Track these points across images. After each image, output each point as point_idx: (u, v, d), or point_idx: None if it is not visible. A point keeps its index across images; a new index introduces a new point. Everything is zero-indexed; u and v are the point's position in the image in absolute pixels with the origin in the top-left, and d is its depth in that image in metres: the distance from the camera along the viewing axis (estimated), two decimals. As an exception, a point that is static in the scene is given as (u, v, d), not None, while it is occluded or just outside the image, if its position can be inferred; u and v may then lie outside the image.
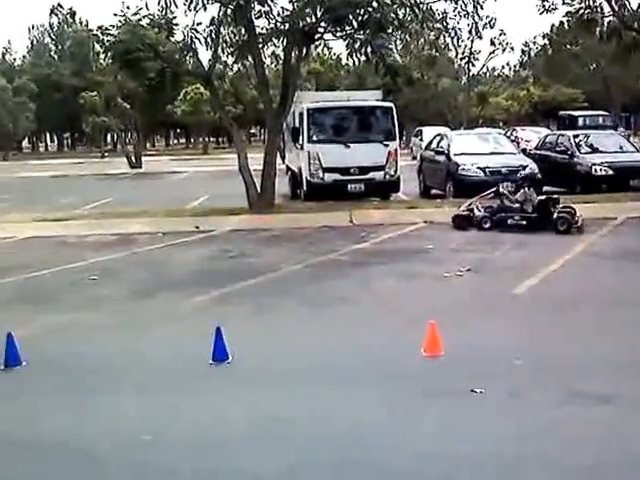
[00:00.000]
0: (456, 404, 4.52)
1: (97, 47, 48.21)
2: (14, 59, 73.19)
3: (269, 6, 14.48)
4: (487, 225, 11.42)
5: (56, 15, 74.88)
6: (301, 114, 15.72)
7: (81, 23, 72.38)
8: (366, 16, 14.44)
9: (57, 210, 15.73)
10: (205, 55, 16.30)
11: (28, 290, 8.36)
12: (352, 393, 4.72)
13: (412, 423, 4.29)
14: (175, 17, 14.64)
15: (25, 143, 72.24)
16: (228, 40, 15.69)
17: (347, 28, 14.92)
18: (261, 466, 3.79)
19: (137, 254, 10.54)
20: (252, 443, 4.05)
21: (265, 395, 4.71)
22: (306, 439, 4.09)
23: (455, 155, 15.93)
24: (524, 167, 15.28)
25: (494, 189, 12.08)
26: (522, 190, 11.78)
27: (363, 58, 15.60)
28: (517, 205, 11.55)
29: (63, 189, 23.61)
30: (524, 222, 11.35)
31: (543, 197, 11.73)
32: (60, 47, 73.79)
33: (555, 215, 11.15)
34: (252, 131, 73.98)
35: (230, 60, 17.47)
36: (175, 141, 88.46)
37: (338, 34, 15.22)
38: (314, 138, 15.49)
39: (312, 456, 3.90)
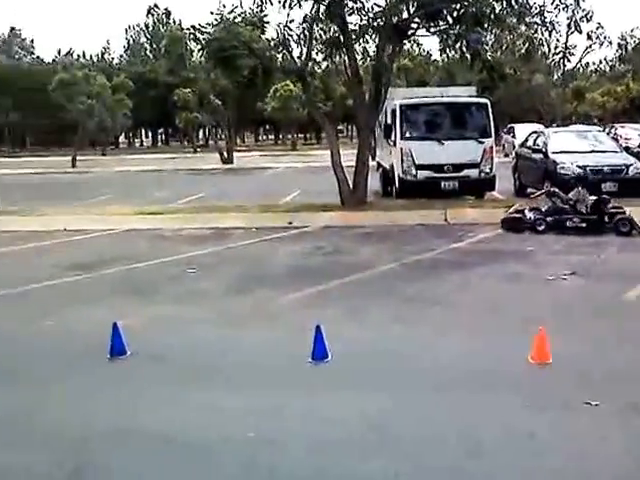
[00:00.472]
0: (569, 417, 4.29)
1: (192, 45, 49.35)
2: (112, 58, 76.57)
3: (362, 2, 14.45)
4: (541, 227, 11.00)
5: (152, 15, 77.62)
6: (394, 110, 15.54)
7: (174, 22, 74.74)
8: (462, 10, 14.17)
9: (153, 204, 16.21)
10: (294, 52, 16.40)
11: (129, 281, 8.61)
12: (456, 398, 4.58)
13: (522, 434, 4.08)
14: (266, 15, 14.82)
15: (122, 138, 75.13)
16: (319, 37, 15.72)
17: (441, 23, 14.70)
18: (365, 469, 3.71)
19: (232, 249, 10.68)
20: (355, 445, 3.97)
21: (366, 396, 4.63)
22: (412, 443, 3.98)
23: (553, 153, 15.36)
24: (627, 166, 14.56)
25: (545, 190, 11.66)
26: (576, 190, 11.28)
27: (456, 53, 15.33)
28: (569, 206, 11.09)
29: (158, 183, 24.34)
30: (584, 224, 10.86)
31: (595, 197, 11.23)
32: (155, 46, 76.41)
33: (608, 216, 10.80)
34: (339, 127, 74.12)
35: (320, 57, 17.49)
36: (264, 137, 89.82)
37: (432, 29, 14.99)
38: (407, 135, 15.29)
39: (419, 461, 3.79)
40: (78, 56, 72.44)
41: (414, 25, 14.85)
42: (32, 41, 78.15)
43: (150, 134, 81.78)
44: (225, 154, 37.02)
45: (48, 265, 9.69)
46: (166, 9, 77.39)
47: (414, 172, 15.04)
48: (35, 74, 58.68)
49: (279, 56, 15.83)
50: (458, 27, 14.41)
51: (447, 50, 15.35)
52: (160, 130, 79.51)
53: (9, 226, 13.36)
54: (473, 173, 15.09)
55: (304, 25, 15.00)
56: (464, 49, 14.70)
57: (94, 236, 12.19)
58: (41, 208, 15.59)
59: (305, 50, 15.34)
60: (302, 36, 15.09)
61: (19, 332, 6.42)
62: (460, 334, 5.96)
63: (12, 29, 77.70)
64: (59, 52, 74.61)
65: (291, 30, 14.87)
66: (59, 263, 9.72)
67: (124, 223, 13.24)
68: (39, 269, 9.44)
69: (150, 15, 77.73)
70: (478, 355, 5.37)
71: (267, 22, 14.92)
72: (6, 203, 15.48)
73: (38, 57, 71.69)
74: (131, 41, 79.23)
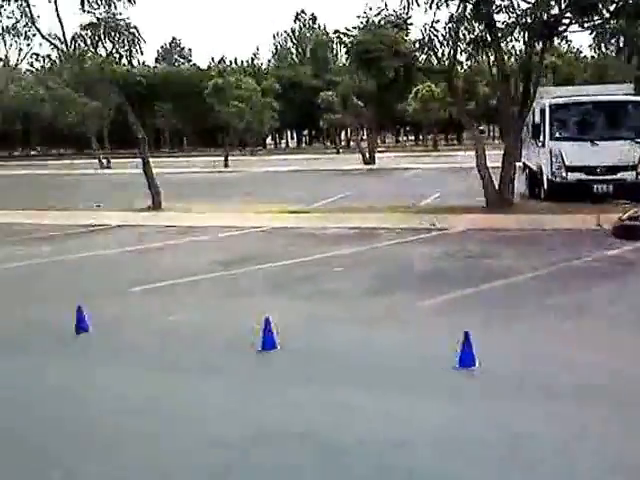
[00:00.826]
0: None
1: (337, 48, 50.06)
2: (261, 63, 79.60)
3: (510, 0, 14.10)
4: None
5: (299, 20, 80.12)
6: (542, 110, 15.04)
7: (319, 27, 76.67)
8: (620, 3, 13.46)
9: (298, 203, 16.71)
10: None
11: (276, 278, 8.91)
12: (617, 418, 4.32)
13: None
14: (410, 16, 14.87)
15: (268, 139, 77.92)
16: (464, 36, 15.52)
17: (596, 18, 14.04)
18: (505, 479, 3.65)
19: (374, 249, 10.77)
20: (497, 455, 3.88)
21: (515, 408, 4.48)
22: (558, 459, 3.82)
23: None
24: None
25: None
26: None
27: (612, 49, 14.58)
28: None
29: (302, 183, 25.01)
30: None
31: None
32: (301, 50, 78.75)
33: None
34: (480, 128, 72.39)
35: (463, 57, 17.25)
36: (404, 138, 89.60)
37: (585, 24, 14.36)
38: (557, 135, 14.74)
39: (564, 476, 3.65)
40: (230, 62, 76.11)
41: (565, 21, 14.30)
42: (190, 50, 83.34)
43: (295, 135, 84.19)
44: (367, 155, 37.37)
45: (201, 259, 10.28)
46: (312, 14, 79.71)
47: (564, 174, 14.47)
48: (192, 80, 62.33)
49: (423, 57, 15.81)
50: (615, 21, 13.71)
51: (602, 46, 14.64)
52: (304, 131, 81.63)
53: (168, 221, 14.43)
54: (630, 176, 14.27)
55: (450, 25, 14.90)
56: (621, 44, 13.97)
57: (243, 233, 12.76)
58: (197, 205, 16.61)
59: (450, 50, 15.23)
60: (447, 36, 14.99)
61: (172, 323, 6.81)
62: (619, 350, 5.56)
63: (173, 39, 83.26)
64: (213, 59, 78.91)
65: (437, 31, 14.82)
66: (211, 258, 10.27)
67: (271, 221, 13.80)
68: (193, 263, 10.04)
69: (297, 21, 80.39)
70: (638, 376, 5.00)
71: (411, 24, 14.99)
72: (167, 200, 16.64)
73: (195, 64, 76.07)
74: (278, 46, 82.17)
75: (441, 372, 5.16)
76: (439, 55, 15.58)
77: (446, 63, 15.53)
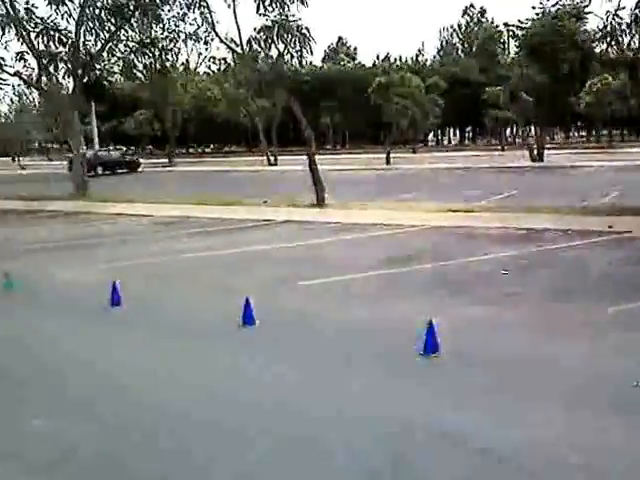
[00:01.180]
0: None
1: (507, 42, 48.40)
2: (425, 59, 78.81)
3: None
4: None
5: (468, 15, 78.50)
6: None
7: (487, 20, 74.65)
8: None
9: (462, 201, 16.31)
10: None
11: (440, 279, 8.70)
12: None
13: None
14: (587, 5, 14.02)
15: (430, 136, 77.10)
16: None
17: None
18: None
19: (545, 251, 10.22)
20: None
21: None
22: None
23: None
24: None
25: None
26: None
27: None
28: None
29: (466, 181, 24.46)
30: None
31: None
32: (467, 45, 77.07)
33: None
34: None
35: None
36: (575, 134, 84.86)
37: None
38: None
39: None
40: (395, 59, 76.15)
41: None
42: (355, 49, 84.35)
43: (457, 132, 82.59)
44: (534, 152, 35.79)
45: (365, 257, 10.32)
46: (481, 8, 77.88)
47: None
48: (356, 78, 63.19)
49: (603, 47, 14.87)
50: None
51: None
52: (467, 128, 79.84)
53: (332, 218, 14.70)
54: None
55: (636, 12, 13.84)
56: None
57: (407, 231, 12.65)
58: (360, 203, 16.76)
59: (633, 38, 14.17)
60: (633, 24, 13.95)
61: (336, 320, 6.84)
62: None
63: (339, 38, 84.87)
64: (378, 57, 79.43)
65: (621, 19, 13.84)
66: (375, 255, 10.28)
67: (435, 219, 13.56)
68: (357, 260, 10.09)
69: (465, 15, 78.83)
70: None
71: (590, 12, 14.16)
72: (330, 197, 16.96)
73: (359, 63, 76.99)
74: (444, 42, 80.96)
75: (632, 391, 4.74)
76: (621, 45, 14.53)
77: (630, 53, 14.42)
